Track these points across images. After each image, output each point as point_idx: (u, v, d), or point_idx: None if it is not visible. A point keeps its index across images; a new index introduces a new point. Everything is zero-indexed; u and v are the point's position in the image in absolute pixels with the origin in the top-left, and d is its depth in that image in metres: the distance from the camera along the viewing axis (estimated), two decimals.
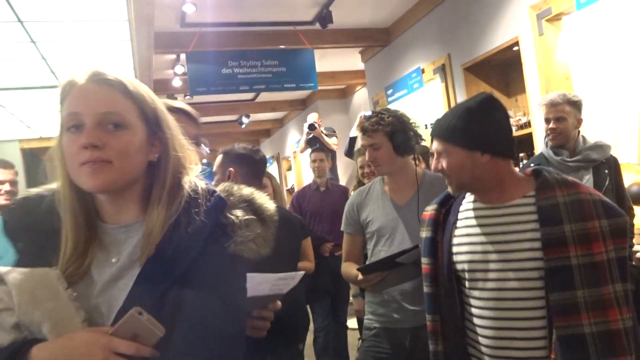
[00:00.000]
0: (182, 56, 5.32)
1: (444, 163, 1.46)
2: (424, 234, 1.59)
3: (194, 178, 1.02)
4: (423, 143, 2.42)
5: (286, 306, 1.93)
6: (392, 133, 2.08)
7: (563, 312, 1.28)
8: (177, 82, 5.90)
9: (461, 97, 4.49)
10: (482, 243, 1.44)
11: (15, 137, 7.27)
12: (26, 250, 0.96)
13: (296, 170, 9.75)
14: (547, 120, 2.71)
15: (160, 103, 1.01)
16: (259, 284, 1.21)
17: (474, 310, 1.46)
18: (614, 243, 1.29)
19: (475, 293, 1.46)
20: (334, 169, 5.48)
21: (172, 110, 1.42)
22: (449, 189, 1.52)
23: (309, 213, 4.14)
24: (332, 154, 5.31)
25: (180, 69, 5.50)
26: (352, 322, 4.34)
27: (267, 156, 12.06)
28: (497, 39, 3.96)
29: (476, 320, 1.45)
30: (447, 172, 1.47)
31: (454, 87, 4.58)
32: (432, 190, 2.08)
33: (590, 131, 3.29)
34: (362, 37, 5.55)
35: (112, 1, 3.69)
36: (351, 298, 4.03)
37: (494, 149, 1.42)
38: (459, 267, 1.48)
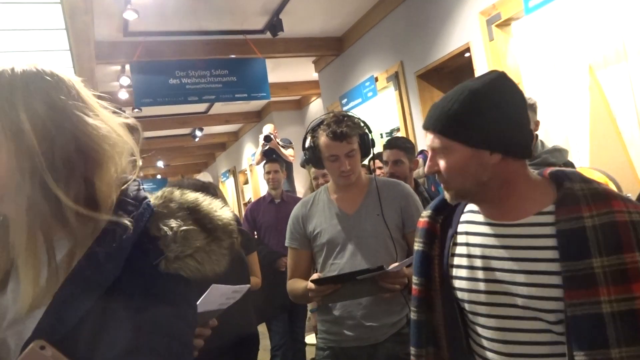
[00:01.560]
0: (127, 67, 5.09)
1: (441, 163, 1.13)
2: (416, 246, 1.29)
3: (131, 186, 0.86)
4: (376, 150, 2.31)
5: (235, 328, 1.78)
6: (362, 135, 1.97)
7: None
8: (123, 95, 5.65)
9: (415, 105, 4.46)
10: (484, 269, 1.13)
11: None
12: None
13: (253, 183, 9.57)
14: None
15: (19, 73, 0.78)
16: (219, 296, 1.11)
17: (476, 348, 1.17)
18: None
19: (478, 330, 1.16)
20: (291, 181, 5.36)
21: None
22: (446, 197, 1.19)
23: (264, 226, 3.99)
24: (288, 165, 5.19)
25: (125, 80, 5.26)
26: (310, 338, 4.19)
27: (223, 170, 11.83)
28: (449, 46, 3.95)
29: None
30: (446, 176, 1.14)
31: (408, 95, 4.54)
32: (384, 195, 1.99)
33: (542, 136, 3.30)
34: (314, 46, 5.47)
35: (47, 9, 3.48)
36: (309, 313, 3.90)
37: (508, 147, 1.08)
38: (459, 295, 1.19)
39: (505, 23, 3.44)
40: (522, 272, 1.06)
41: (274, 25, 4.63)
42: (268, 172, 4.11)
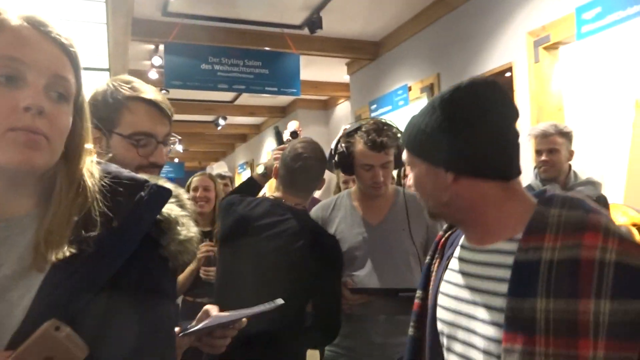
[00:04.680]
0: (161, 48, 5.05)
1: (410, 178, 1.07)
2: (427, 258, 1.20)
3: (111, 165, 0.83)
4: None
5: None
6: (399, 146, 1.87)
7: None
8: (153, 75, 5.61)
9: None
10: (454, 298, 1.01)
11: None
12: None
13: None
14: (539, 152, 2.62)
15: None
16: (235, 316, 1.08)
17: None
18: (606, 348, 0.74)
19: None
20: None
21: (145, 102, 1.19)
22: None
23: None
24: None
25: (157, 60, 5.22)
26: None
27: (241, 162, 11.80)
28: (490, 63, 3.84)
29: None
30: (416, 192, 1.06)
31: None
32: (411, 210, 1.88)
33: (577, 166, 3.18)
34: (350, 48, 5.38)
35: None
36: None
37: (464, 167, 0.94)
38: (438, 325, 1.07)
39: (554, 46, 3.33)
40: (482, 305, 0.93)
41: (313, 22, 4.56)
42: None
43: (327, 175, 5.83)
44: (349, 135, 1.90)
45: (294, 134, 5.00)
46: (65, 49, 0.75)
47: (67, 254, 0.70)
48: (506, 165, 0.96)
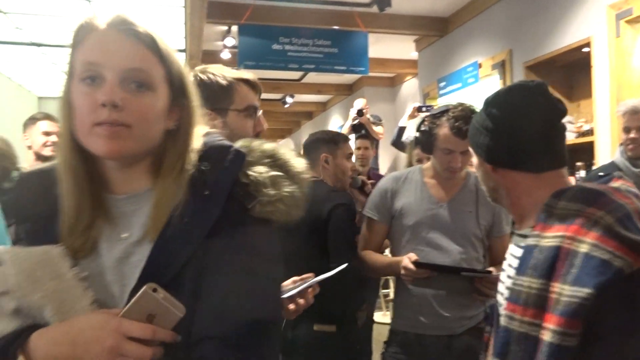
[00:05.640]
0: (233, 29, 5.22)
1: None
2: None
3: (210, 137, 0.91)
4: None
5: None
6: None
7: None
8: (225, 55, 5.81)
9: None
10: (505, 272, 1.17)
11: None
12: (30, 231, 0.85)
13: None
14: (627, 129, 2.54)
15: (185, 67, 0.89)
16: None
17: None
18: (556, 323, 0.90)
19: None
20: (376, 159, 5.33)
21: (246, 81, 1.37)
22: None
23: None
24: (376, 142, 5.16)
25: (230, 41, 5.41)
26: (378, 316, 4.21)
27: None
28: (567, 38, 3.71)
29: None
30: None
31: None
32: (482, 193, 1.92)
33: None
34: (419, 24, 5.33)
35: None
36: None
37: (498, 159, 1.13)
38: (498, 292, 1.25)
39: (637, 20, 3.17)
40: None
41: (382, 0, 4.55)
42: (359, 148, 4.09)
43: (394, 154, 5.88)
44: (435, 116, 1.93)
45: (360, 112, 5.06)
46: (145, 41, 0.82)
47: (163, 224, 0.81)
48: (537, 160, 1.10)
